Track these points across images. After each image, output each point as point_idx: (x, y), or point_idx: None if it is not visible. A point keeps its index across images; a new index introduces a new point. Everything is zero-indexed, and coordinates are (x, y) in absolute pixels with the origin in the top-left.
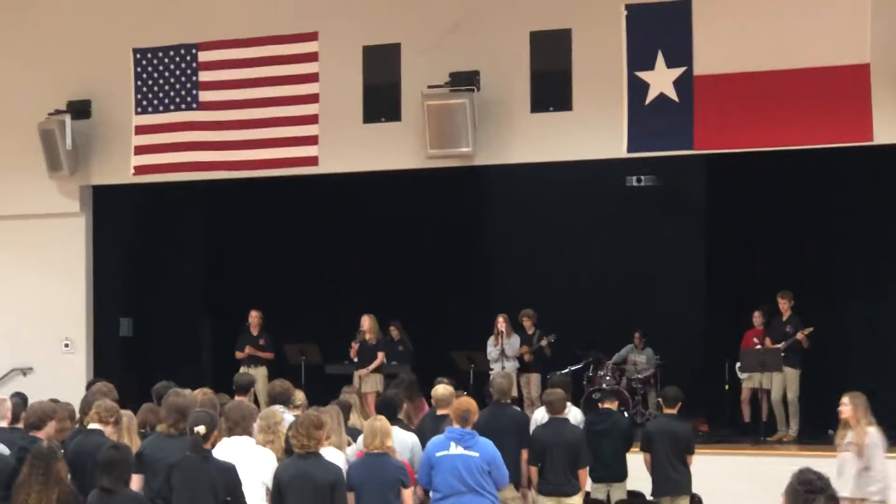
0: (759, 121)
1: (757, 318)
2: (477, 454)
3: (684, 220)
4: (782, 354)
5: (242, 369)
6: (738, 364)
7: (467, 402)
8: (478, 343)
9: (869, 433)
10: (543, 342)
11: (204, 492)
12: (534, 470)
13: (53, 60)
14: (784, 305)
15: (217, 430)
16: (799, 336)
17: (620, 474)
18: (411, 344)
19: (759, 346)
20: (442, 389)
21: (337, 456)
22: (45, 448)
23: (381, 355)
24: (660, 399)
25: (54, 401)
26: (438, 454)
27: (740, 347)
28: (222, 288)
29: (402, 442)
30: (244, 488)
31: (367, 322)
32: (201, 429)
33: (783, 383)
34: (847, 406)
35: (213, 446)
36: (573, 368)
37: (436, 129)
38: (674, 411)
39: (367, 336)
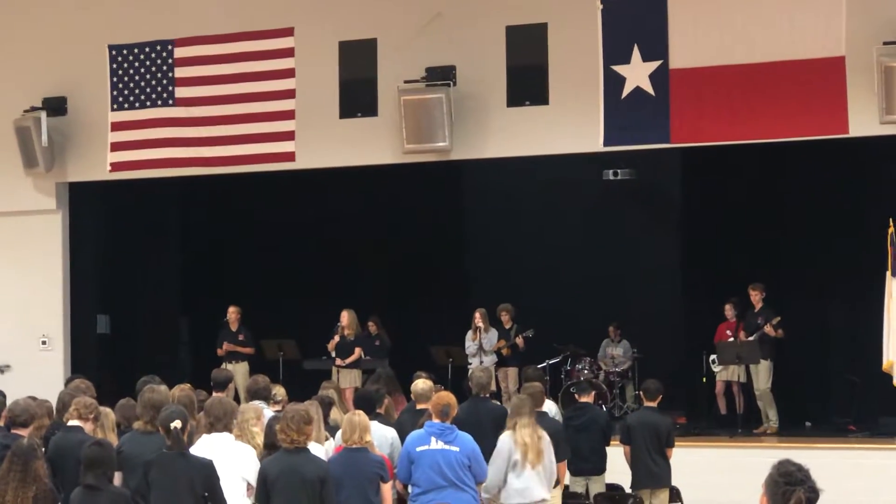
0: (735, 114)
1: (728, 310)
2: (457, 449)
3: (661, 212)
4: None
5: (224, 365)
6: (712, 357)
7: (447, 396)
8: (456, 338)
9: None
10: (518, 339)
11: (181, 488)
12: None
13: (28, 57)
14: (756, 297)
15: (189, 425)
16: (767, 329)
17: (599, 468)
18: (389, 339)
19: (732, 339)
20: (421, 384)
21: (317, 450)
22: (25, 445)
23: (358, 350)
24: (640, 392)
25: (32, 398)
26: (419, 449)
27: (714, 340)
28: (200, 284)
29: (382, 437)
30: (223, 484)
31: (346, 317)
32: (177, 423)
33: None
34: None
35: (187, 441)
36: (551, 362)
37: (412, 123)
38: (654, 404)
39: (346, 331)
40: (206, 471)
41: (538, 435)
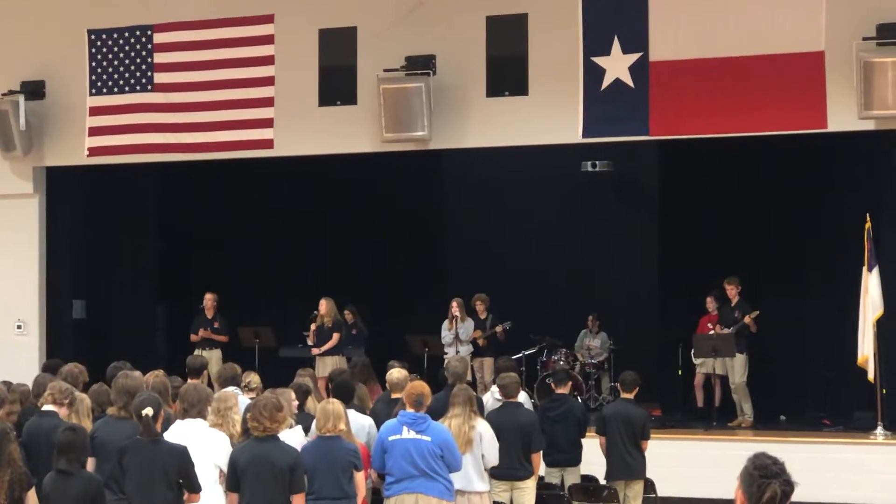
0: (714, 107)
1: (710, 303)
2: (429, 438)
3: (639, 205)
4: None
5: (197, 352)
6: (692, 350)
7: (420, 386)
8: (432, 327)
9: None
10: (498, 329)
11: (156, 474)
12: None
13: (7, 41)
14: (731, 291)
15: (162, 412)
16: (746, 320)
17: (574, 459)
18: (365, 328)
19: (712, 332)
20: (396, 373)
21: (290, 437)
22: None
23: (336, 336)
24: (617, 383)
25: (6, 382)
26: (391, 438)
27: (695, 333)
28: (176, 270)
29: (359, 425)
30: (196, 470)
31: (324, 305)
32: (149, 411)
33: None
34: None
35: (160, 428)
36: (527, 353)
37: (392, 112)
38: (630, 396)
39: (325, 319)
40: (181, 457)
41: (469, 426)
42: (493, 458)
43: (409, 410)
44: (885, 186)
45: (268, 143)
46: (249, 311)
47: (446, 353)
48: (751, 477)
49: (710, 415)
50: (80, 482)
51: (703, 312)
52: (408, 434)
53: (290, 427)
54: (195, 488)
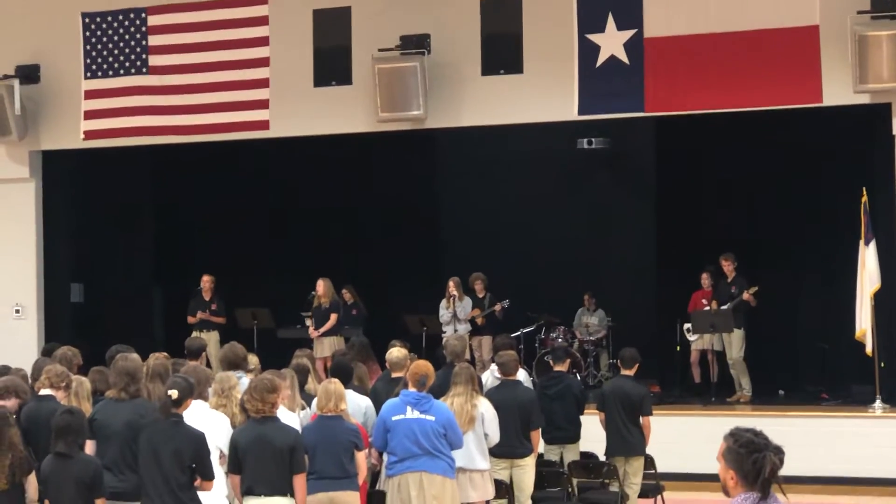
0: (709, 83)
1: (705, 279)
2: (433, 418)
3: (635, 181)
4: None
5: (194, 334)
6: (685, 326)
7: (424, 366)
8: (430, 306)
9: None
10: (497, 307)
11: (168, 456)
12: None
13: (1, 25)
14: (728, 267)
15: (190, 400)
16: (745, 296)
17: (573, 436)
18: (364, 307)
19: (707, 308)
20: (396, 352)
21: (290, 418)
22: None
23: (333, 317)
24: (618, 360)
25: (6, 367)
26: (394, 418)
27: (688, 309)
28: (174, 253)
29: (356, 405)
30: None
31: (321, 286)
32: (174, 393)
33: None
34: None
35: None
36: (525, 331)
37: (387, 92)
38: (630, 373)
39: (322, 300)
40: (196, 442)
41: (471, 404)
42: (495, 437)
43: (412, 390)
44: (881, 160)
45: (263, 125)
46: (247, 292)
47: (444, 332)
48: (739, 455)
49: (708, 391)
50: (79, 464)
51: (698, 288)
52: (412, 414)
53: (304, 409)
54: (208, 475)
